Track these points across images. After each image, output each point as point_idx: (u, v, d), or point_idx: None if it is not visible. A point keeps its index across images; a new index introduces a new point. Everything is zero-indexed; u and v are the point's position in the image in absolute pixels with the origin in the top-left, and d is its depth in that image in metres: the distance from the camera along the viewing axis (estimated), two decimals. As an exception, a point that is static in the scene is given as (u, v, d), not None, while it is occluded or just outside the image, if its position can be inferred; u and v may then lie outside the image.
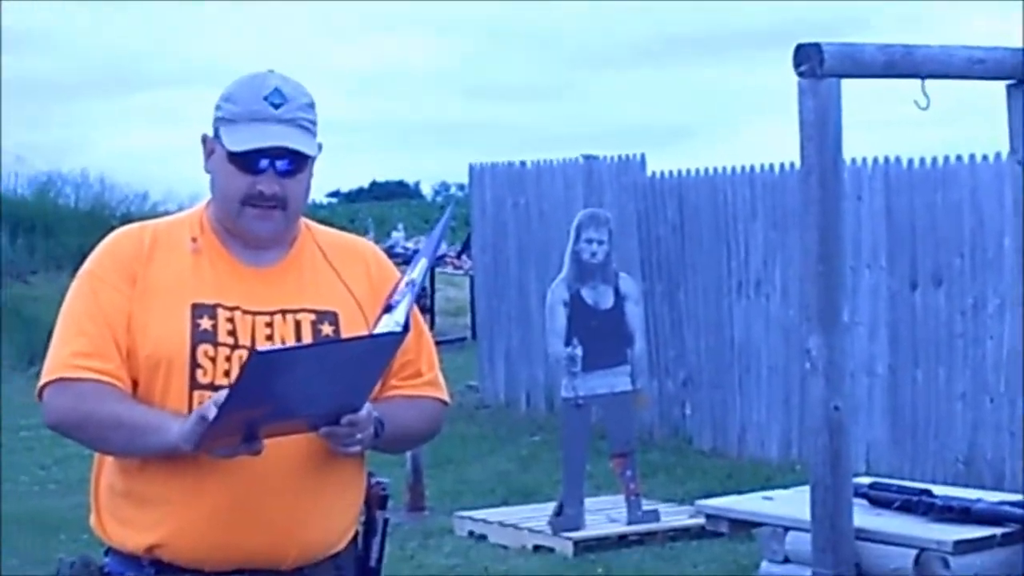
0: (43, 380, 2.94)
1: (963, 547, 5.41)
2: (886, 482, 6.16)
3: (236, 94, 2.96)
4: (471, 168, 13.62)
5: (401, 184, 53.49)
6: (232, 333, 2.92)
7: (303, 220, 3.08)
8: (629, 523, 8.64)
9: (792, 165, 10.25)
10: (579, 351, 8.56)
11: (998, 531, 5.51)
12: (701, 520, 6.81)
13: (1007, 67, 5.59)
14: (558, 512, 8.55)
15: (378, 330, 2.95)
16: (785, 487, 6.87)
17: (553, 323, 8.65)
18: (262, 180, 2.93)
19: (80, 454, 7.42)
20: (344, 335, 2.96)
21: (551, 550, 8.44)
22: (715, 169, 11.34)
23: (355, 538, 3.09)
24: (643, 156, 11.99)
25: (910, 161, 10.05)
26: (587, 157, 12.40)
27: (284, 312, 2.96)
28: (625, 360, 8.72)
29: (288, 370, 2.70)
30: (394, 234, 24.80)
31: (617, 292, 8.73)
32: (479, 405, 13.16)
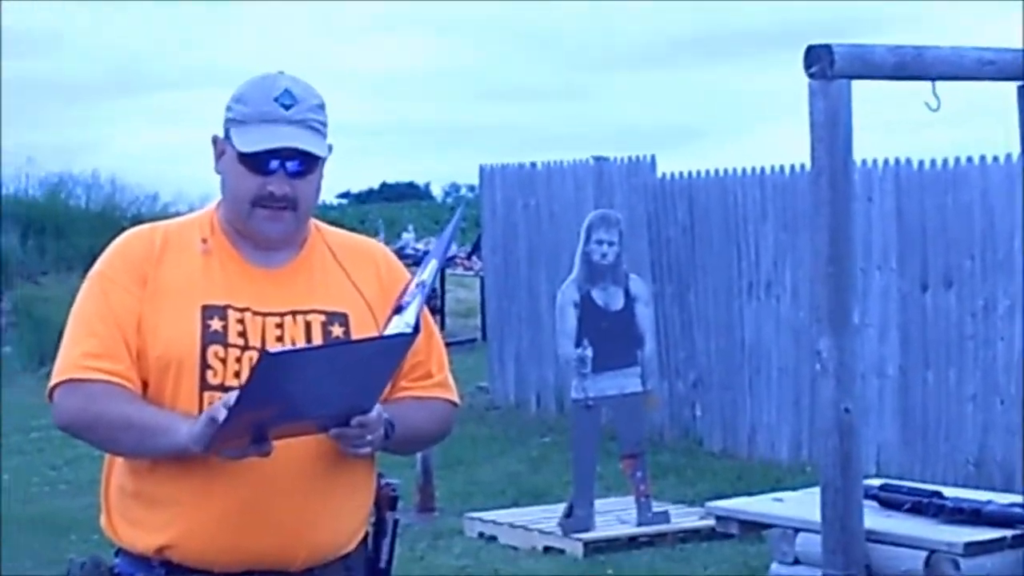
0: (53, 381, 2.94)
1: (973, 549, 5.41)
2: (896, 484, 6.16)
3: (247, 95, 2.97)
4: (481, 169, 13.61)
5: (411, 185, 53.43)
6: (242, 334, 2.92)
7: (313, 221, 3.08)
8: (639, 524, 8.63)
9: (803, 166, 10.23)
10: (589, 352, 8.55)
11: (1008, 533, 5.51)
12: (711, 522, 6.80)
13: (1018, 68, 5.58)
14: (568, 513, 8.54)
15: (388, 331, 2.95)
16: (795, 488, 6.88)
17: (563, 324, 8.64)
18: (272, 181, 2.93)
19: (90, 455, 7.44)
20: (354, 336, 2.96)
21: (561, 551, 8.43)
22: (725, 170, 11.31)
23: (365, 539, 3.09)
24: (653, 157, 11.97)
25: (920, 162, 10.04)
26: (597, 158, 12.38)
27: (294, 313, 2.96)
28: (635, 361, 8.71)
29: (298, 371, 2.70)
30: (404, 235, 24.76)
31: (627, 293, 8.71)
32: (489, 406, 13.13)
